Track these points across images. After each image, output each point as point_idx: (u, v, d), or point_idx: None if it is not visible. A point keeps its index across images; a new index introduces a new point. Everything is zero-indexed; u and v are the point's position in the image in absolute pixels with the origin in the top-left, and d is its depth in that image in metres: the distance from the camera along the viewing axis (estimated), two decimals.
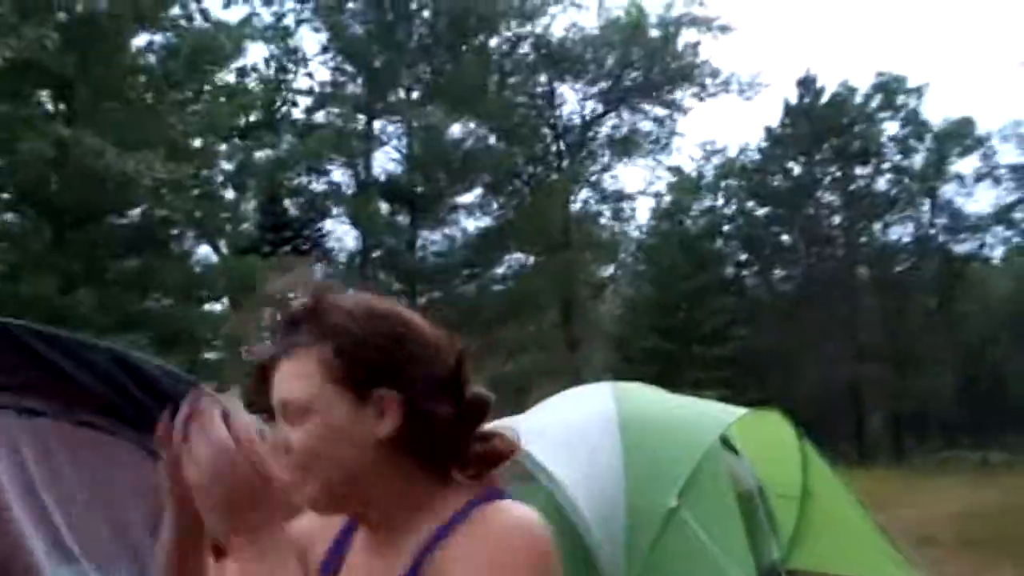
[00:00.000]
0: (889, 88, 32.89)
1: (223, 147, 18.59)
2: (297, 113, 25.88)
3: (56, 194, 14.17)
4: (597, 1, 29.55)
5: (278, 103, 24.94)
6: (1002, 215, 33.39)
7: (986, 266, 36.39)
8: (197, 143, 15.65)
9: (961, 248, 34.10)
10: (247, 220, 22.69)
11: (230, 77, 19.89)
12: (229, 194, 20.70)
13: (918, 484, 15.89)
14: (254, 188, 22.05)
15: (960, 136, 32.64)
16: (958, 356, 33.43)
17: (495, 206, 28.20)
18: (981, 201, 38.12)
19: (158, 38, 14.94)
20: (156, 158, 12.29)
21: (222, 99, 15.78)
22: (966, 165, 33.27)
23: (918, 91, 32.84)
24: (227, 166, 20.15)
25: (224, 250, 20.38)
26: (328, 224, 25.78)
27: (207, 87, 16.05)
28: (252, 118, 21.96)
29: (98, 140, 11.63)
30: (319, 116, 25.57)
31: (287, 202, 24.44)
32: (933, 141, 32.82)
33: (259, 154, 20.83)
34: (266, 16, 24.14)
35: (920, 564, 6.92)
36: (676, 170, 33.83)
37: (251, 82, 22.19)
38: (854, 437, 30.54)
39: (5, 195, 14.88)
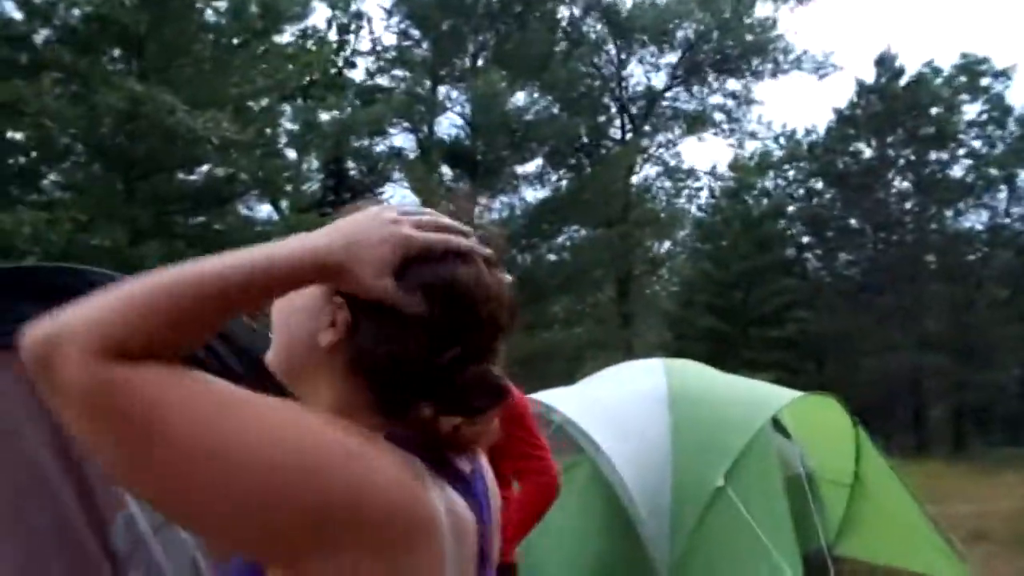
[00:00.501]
0: (973, 70, 31.50)
1: (287, 108, 18.82)
2: (361, 76, 26.04)
3: (127, 148, 14.58)
4: None
5: (342, 65, 25.10)
6: None
7: None
8: (263, 103, 15.89)
9: None
10: (309, 181, 23.02)
11: (294, 38, 20.07)
12: (292, 154, 21.00)
13: (976, 479, 15.47)
14: (317, 149, 22.32)
15: None
16: None
17: (555, 176, 28.05)
18: None
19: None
20: (224, 117, 12.54)
21: (287, 60, 15.93)
22: None
23: (1004, 74, 31.41)
24: (291, 126, 20.43)
25: (286, 210, 20.72)
26: (389, 188, 26.02)
27: (272, 48, 16.23)
28: (316, 79, 22.16)
29: (169, 98, 11.92)
30: (383, 80, 25.69)
31: (350, 164, 24.71)
32: (1017, 126, 31.39)
33: (323, 116, 21.03)
34: None
35: (971, 560, 6.75)
36: (741, 147, 33.21)
37: (313, 44, 22.35)
38: (912, 428, 29.81)
39: (79, 147, 15.36)
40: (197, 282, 0.72)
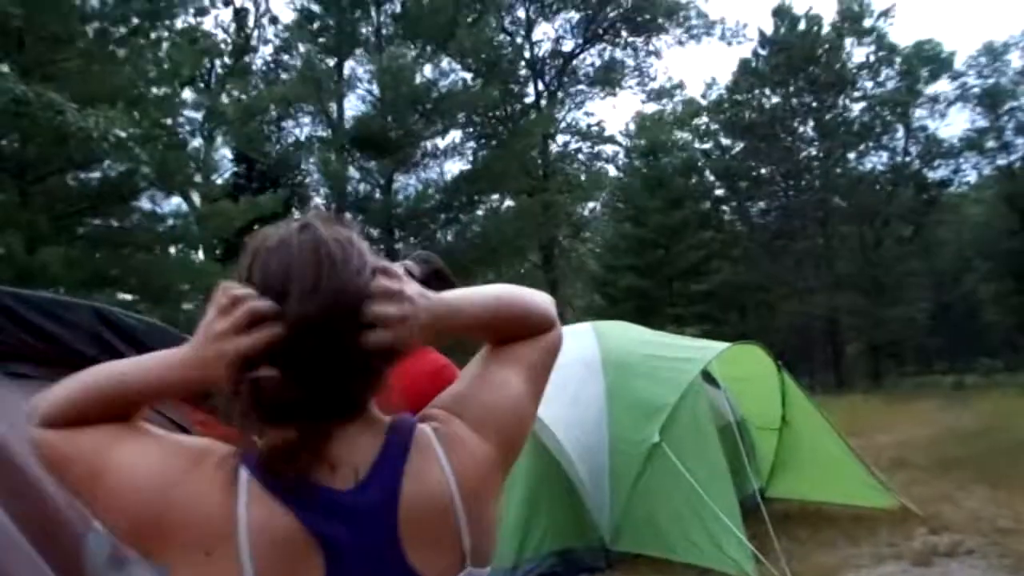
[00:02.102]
0: (854, 14, 32.41)
1: (188, 95, 18.10)
2: (264, 56, 25.24)
3: (18, 151, 13.81)
4: None
5: (242, 45, 24.24)
6: (974, 141, 33.49)
7: (959, 193, 36.63)
8: (160, 91, 15.19)
9: (935, 175, 34.27)
10: (218, 170, 22.27)
11: (189, 20, 19.23)
12: (198, 144, 20.27)
13: (893, 410, 16.23)
14: (225, 136, 21.59)
15: (928, 59, 32.32)
16: (933, 283, 33.90)
17: (472, 147, 27.86)
18: (955, 126, 38.08)
19: None
20: (118, 114, 11.91)
21: (182, 44, 15.21)
22: (939, 88, 33.20)
23: (885, 14, 32.43)
24: (194, 115, 19.68)
25: (197, 201, 20.04)
26: (302, 170, 25.40)
27: (166, 33, 15.48)
28: (217, 64, 21.35)
29: (55, 96, 11.26)
30: (288, 58, 24.94)
31: (259, 149, 23.98)
32: (902, 64, 32.49)
33: (227, 100, 20.33)
34: None
35: (894, 487, 7.09)
36: (655, 103, 33.59)
37: (211, 26, 21.49)
38: (832, 366, 31.08)
39: None
40: (101, 385, 0.95)
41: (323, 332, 0.89)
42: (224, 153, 22.52)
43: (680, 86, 35.72)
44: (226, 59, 22.60)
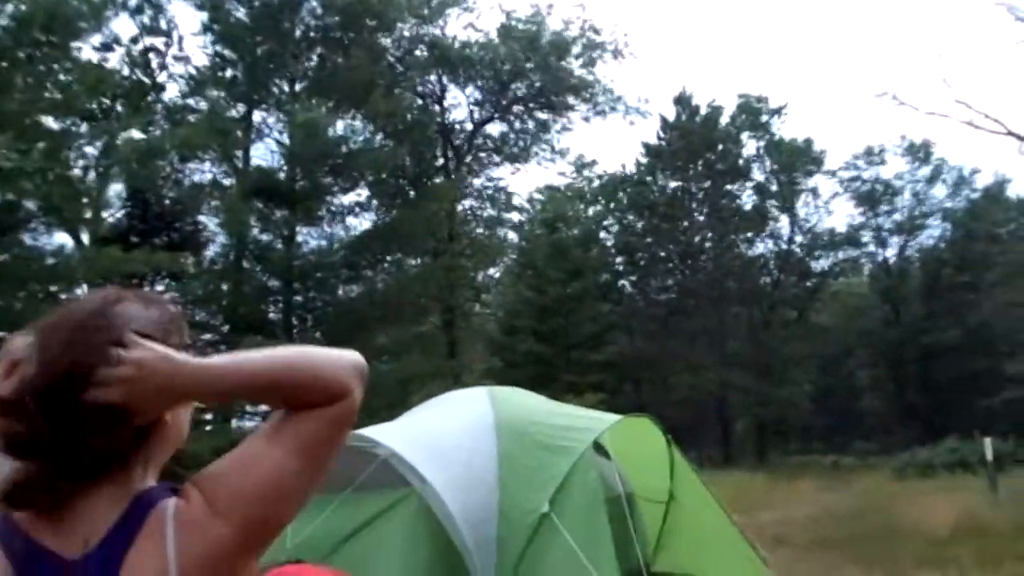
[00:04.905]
0: (752, 108, 34.52)
1: (84, 128, 17.38)
2: (171, 96, 24.59)
3: None
4: (498, 8, 29.63)
5: (148, 84, 23.61)
6: (852, 236, 35.81)
7: (843, 282, 38.91)
8: (51, 123, 14.52)
9: (817, 265, 36.36)
10: (111, 208, 21.40)
11: (91, 54, 18.62)
12: (91, 179, 19.44)
13: (777, 488, 16.71)
14: (120, 174, 20.79)
15: (805, 155, 34.59)
16: (817, 366, 35.56)
17: (378, 206, 27.77)
18: (837, 218, 40.63)
19: (8, 7, 13.73)
20: (5, 140, 11.30)
21: (80, 76, 14.64)
22: (820, 185, 35.51)
23: (778, 112, 34.66)
24: (90, 150, 18.92)
25: (85, 240, 19.12)
26: (202, 217, 24.64)
27: (65, 64, 14.88)
28: (119, 100, 20.67)
29: None
30: (194, 102, 24.38)
31: (158, 192, 23.16)
32: (786, 159, 34.61)
33: (127, 136, 19.67)
34: None
35: (775, 565, 7.23)
36: (557, 183, 34.49)
37: (115, 62, 20.85)
38: (721, 442, 31.91)
39: None
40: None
41: (48, 391, 0.95)
42: (119, 191, 21.66)
43: (588, 164, 36.92)
44: (130, 96, 21.94)
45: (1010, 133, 22.34)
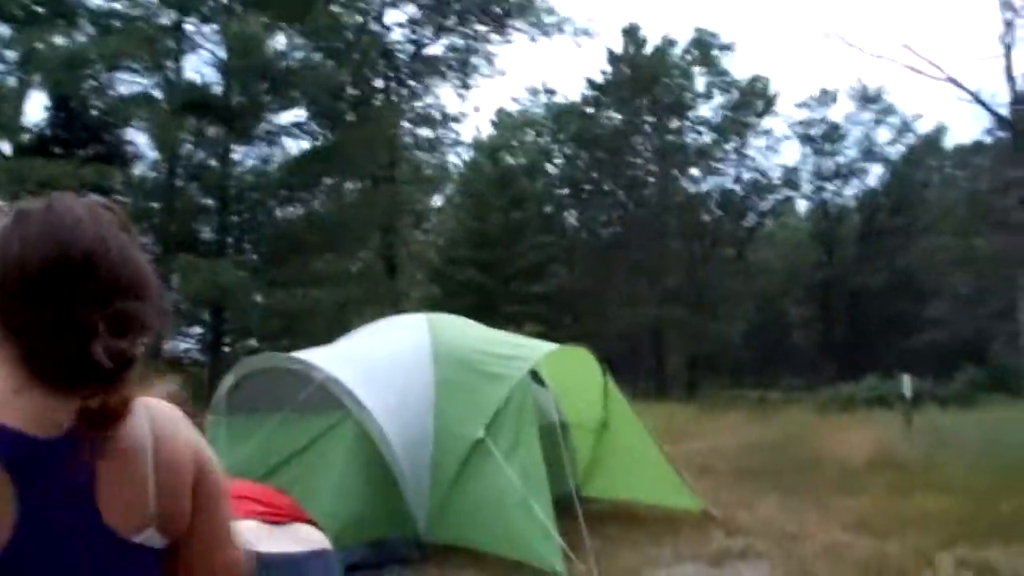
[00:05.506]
0: (704, 44, 34.29)
1: (4, 30, 16.34)
2: (97, 2, 23.13)
3: None
4: None
5: None
6: (791, 179, 36.37)
7: (782, 223, 39.70)
8: None
9: (762, 204, 36.91)
10: (34, 119, 20.35)
11: None
12: (12, 84, 18.38)
13: (706, 419, 17.23)
14: (45, 83, 19.69)
15: (759, 95, 34.71)
16: (752, 304, 36.47)
17: (317, 128, 26.95)
18: (785, 157, 41.15)
19: None
20: None
21: None
22: (769, 124, 35.76)
23: (728, 48, 34.52)
24: (10, 53, 17.82)
25: (7, 150, 18.17)
26: (131, 131, 23.55)
27: None
28: (41, 3, 19.41)
29: None
30: (121, 7, 22.95)
31: (83, 102, 21.98)
32: (738, 96, 34.67)
33: (49, 42, 18.56)
34: None
35: (700, 490, 7.48)
36: (501, 107, 33.98)
37: None
38: (655, 374, 32.68)
39: None
40: None
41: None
42: (42, 100, 20.56)
43: (550, 91, 36.35)
44: None
45: (949, 79, 22.76)
